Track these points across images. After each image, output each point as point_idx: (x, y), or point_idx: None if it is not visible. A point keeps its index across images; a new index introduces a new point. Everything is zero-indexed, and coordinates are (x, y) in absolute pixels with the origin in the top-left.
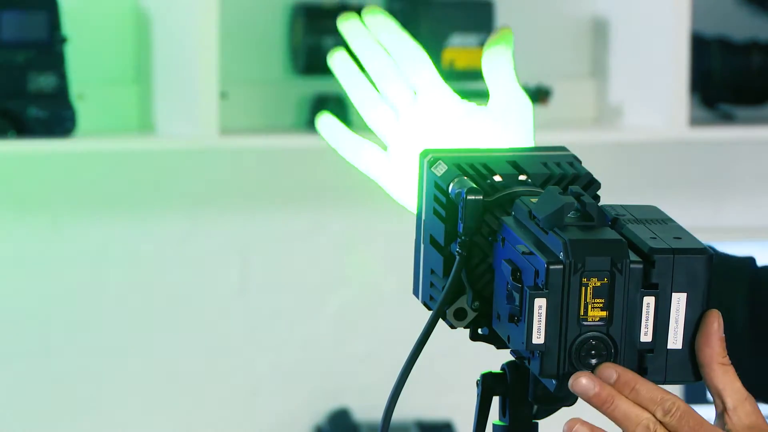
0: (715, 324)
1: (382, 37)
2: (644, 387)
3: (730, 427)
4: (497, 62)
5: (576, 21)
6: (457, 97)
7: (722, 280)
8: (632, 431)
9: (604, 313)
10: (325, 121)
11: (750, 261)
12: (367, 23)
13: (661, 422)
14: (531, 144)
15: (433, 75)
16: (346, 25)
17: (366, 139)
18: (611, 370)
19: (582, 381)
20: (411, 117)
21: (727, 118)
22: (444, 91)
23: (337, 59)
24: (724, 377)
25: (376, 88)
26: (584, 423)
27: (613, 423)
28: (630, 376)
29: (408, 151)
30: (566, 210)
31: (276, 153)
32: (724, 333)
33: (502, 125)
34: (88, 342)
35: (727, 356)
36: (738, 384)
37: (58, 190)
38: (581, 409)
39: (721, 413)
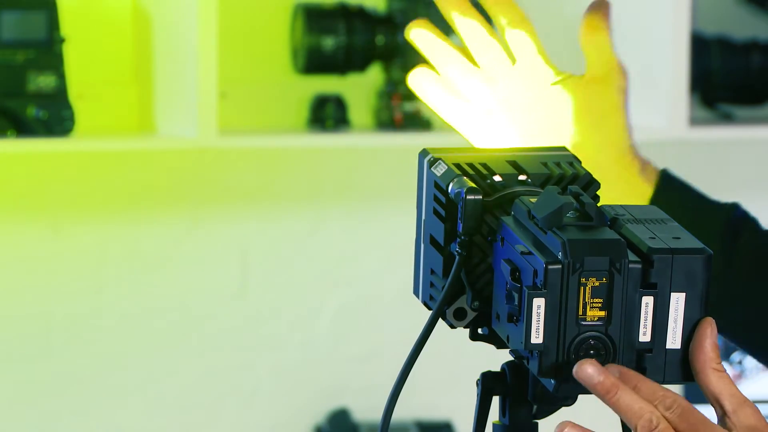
0: (708, 330)
1: (486, 1)
2: (645, 385)
3: (731, 428)
4: (595, 32)
5: (576, 21)
6: (553, 69)
7: (696, 222)
8: (635, 424)
9: (602, 313)
10: (421, 77)
11: (731, 207)
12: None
13: (664, 417)
14: (625, 115)
15: (532, 44)
16: (416, 30)
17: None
18: (614, 369)
19: (587, 369)
20: (509, 84)
21: (727, 118)
22: (542, 61)
23: (416, 30)
24: (720, 382)
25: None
26: (575, 426)
27: (609, 424)
28: (632, 375)
29: (507, 118)
30: (565, 210)
31: (276, 153)
32: None
33: (598, 94)
34: (88, 342)
35: (721, 363)
36: (734, 389)
37: (58, 190)
38: (581, 409)
39: (722, 417)
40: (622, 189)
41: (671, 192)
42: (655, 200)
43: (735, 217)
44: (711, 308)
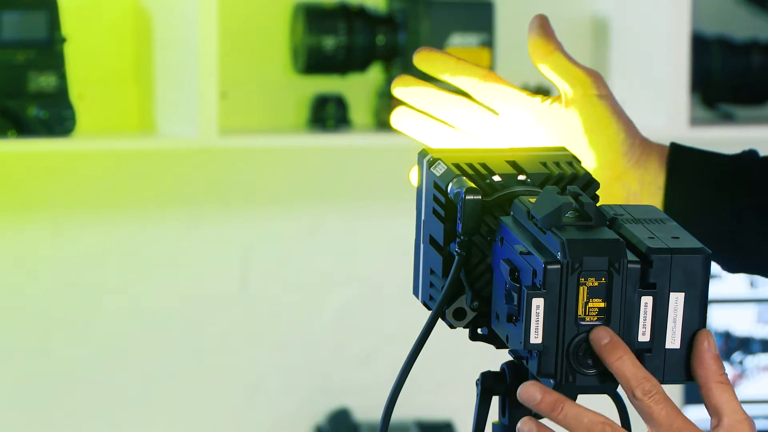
0: (705, 343)
1: (441, 73)
2: (631, 360)
3: None
4: (547, 56)
5: (576, 21)
6: (528, 96)
7: (731, 178)
8: None
9: (602, 308)
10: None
11: (750, 150)
12: (420, 66)
13: (640, 400)
14: (619, 117)
15: (502, 87)
16: (399, 89)
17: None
18: (605, 332)
19: (528, 389)
20: (500, 135)
21: (727, 118)
22: (519, 98)
23: (399, 117)
24: (723, 396)
25: (450, 125)
26: (533, 420)
27: None
28: (622, 345)
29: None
30: (564, 210)
31: (276, 153)
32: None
33: (583, 113)
34: (88, 342)
35: (725, 374)
36: (737, 404)
37: (58, 190)
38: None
39: (715, 428)
40: (636, 190)
41: (686, 159)
42: (672, 172)
43: (761, 157)
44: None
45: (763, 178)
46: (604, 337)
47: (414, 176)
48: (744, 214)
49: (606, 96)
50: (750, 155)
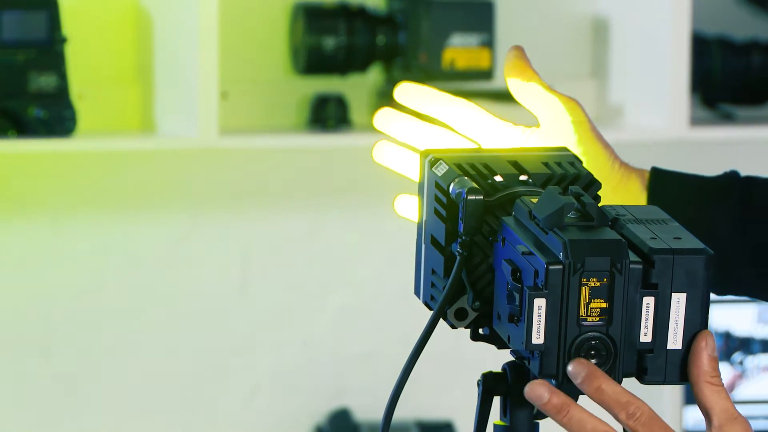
0: (702, 343)
1: (420, 107)
2: (610, 387)
3: None
4: (524, 81)
5: (576, 21)
6: (510, 126)
7: (710, 201)
8: None
9: (604, 309)
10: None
11: (732, 173)
12: (401, 99)
13: (625, 424)
14: (596, 142)
15: (483, 118)
16: (380, 120)
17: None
18: (581, 366)
19: (537, 389)
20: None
21: (727, 118)
22: (500, 127)
23: (380, 151)
24: (713, 396)
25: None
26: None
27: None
28: (598, 374)
29: None
30: (566, 210)
31: (276, 153)
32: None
33: (558, 135)
34: (88, 342)
35: (718, 376)
36: (727, 404)
37: (58, 190)
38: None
39: (708, 430)
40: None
41: (666, 183)
42: (653, 195)
43: (740, 179)
44: (738, 269)
45: (745, 199)
46: (581, 372)
47: (399, 206)
48: (727, 237)
49: (585, 122)
50: (731, 177)
